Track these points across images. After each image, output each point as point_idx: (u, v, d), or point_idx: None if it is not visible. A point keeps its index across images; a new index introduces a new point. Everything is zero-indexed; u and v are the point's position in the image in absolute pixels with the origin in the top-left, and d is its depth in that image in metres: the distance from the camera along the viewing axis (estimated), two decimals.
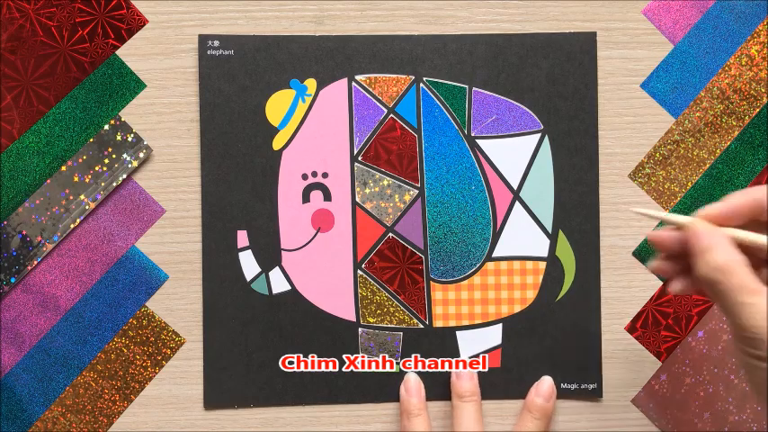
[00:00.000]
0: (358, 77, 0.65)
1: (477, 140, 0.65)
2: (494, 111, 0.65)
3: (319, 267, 0.64)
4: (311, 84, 0.64)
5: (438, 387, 0.65)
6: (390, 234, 0.65)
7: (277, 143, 0.64)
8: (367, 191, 0.64)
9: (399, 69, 0.65)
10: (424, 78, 0.65)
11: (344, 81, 0.64)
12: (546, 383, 0.65)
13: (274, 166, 0.64)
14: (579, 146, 0.65)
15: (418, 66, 0.65)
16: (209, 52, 0.64)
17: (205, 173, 0.64)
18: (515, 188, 0.65)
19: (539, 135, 0.65)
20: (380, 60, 0.64)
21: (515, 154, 0.65)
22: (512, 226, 0.65)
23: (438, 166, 0.65)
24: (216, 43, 0.64)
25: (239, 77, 0.64)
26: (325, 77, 0.64)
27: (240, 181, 0.64)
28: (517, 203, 0.65)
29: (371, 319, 0.64)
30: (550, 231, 0.65)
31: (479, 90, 0.65)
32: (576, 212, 0.65)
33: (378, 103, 0.64)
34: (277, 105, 0.64)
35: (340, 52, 0.64)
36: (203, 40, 0.64)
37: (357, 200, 0.64)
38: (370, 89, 0.65)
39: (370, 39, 0.65)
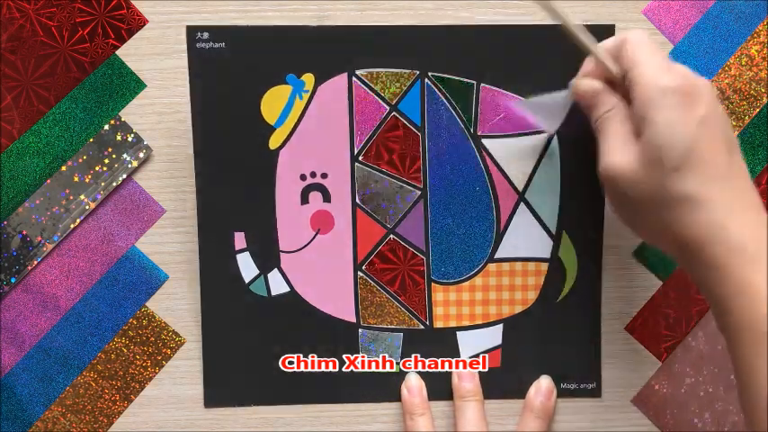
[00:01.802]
0: (359, 72, 0.62)
1: (482, 140, 0.63)
2: (502, 109, 0.63)
3: (319, 269, 0.63)
4: (309, 79, 0.62)
5: (438, 387, 0.65)
6: (391, 236, 0.64)
7: (273, 142, 0.62)
8: (368, 192, 0.63)
9: (403, 64, 0.62)
10: (430, 73, 0.63)
11: (344, 76, 0.62)
12: (545, 382, 0.64)
13: (271, 167, 0.62)
14: (587, 146, 0.64)
15: (423, 59, 0.62)
16: (198, 45, 0.61)
17: (199, 173, 0.62)
18: (521, 190, 0.64)
19: (547, 135, 0.64)
20: (382, 54, 0.62)
21: (522, 154, 0.63)
22: (515, 228, 0.64)
23: (442, 167, 0.64)
24: (205, 35, 0.61)
25: (231, 72, 0.61)
26: (324, 72, 0.62)
27: (235, 182, 0.62)
28: (522, 205, 0.64)
29: (372, 321, 0.64)
30: (554, 233, 0.64)
31: (488, 86, 0.63)
32: (582, 214, 0.64)
33: (379, 100, 0.62)
34: (273, 102, 0.62)
35: (339, 45, 0.62)
36: (192, 32, 0.61)
37: (357, 201, 0.63)
38: (372, 85, 0.62)
39: (371, 30, 0.62)
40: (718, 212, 0.50)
